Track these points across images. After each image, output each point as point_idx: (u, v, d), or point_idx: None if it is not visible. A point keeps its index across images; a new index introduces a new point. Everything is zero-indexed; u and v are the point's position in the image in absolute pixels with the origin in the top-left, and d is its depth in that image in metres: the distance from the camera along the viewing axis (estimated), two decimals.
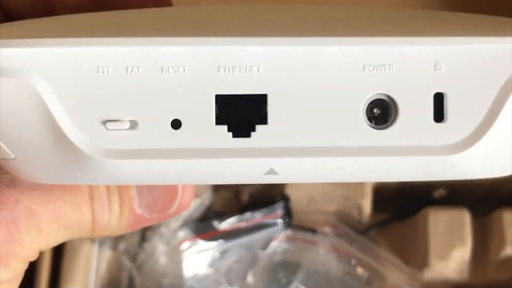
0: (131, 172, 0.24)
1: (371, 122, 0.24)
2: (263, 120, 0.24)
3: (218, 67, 0.23)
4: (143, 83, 0.23)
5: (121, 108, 0.24)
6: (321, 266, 0.62)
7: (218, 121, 0.24)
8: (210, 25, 0.24)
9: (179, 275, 0.61)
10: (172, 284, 0.61)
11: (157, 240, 0.62)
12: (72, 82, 0.23)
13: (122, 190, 0.30)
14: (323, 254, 0.63)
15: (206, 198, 0.64)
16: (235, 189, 0.66)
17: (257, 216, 0.63)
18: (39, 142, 0.24)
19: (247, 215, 0.63)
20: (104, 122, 0.24)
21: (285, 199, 0.64)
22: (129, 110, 0.24)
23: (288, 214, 0.64)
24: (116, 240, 0.62)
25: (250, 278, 0.62)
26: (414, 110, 0.23)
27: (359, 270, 0.62)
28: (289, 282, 0.62)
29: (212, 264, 0.62)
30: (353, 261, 0.63)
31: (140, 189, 0.30)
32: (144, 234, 0.62)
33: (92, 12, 0.25)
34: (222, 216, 0.63)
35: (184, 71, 0.23)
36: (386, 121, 0.24)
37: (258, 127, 0.24)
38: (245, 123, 0.24)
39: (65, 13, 0.27)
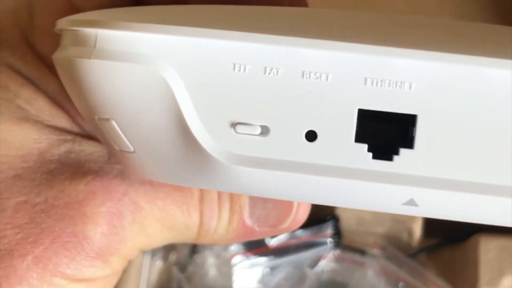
0: (256, 181, 0.21)
1: None
2: (409, 144, 0.20)
3: (365, 79, 0.20)
4: (281, 86, 0.20)
5: (253, 111, 0.20)
6: (369, 287, 0.59)
7: (358, 139, 0.20)
8: (360, 31, 0.20)
9: None
10: None
11: (207, 252, 0.59)
12: (205, 77, 0.20)
13: (234, 197, 0.27)
14: (371, 276, 0.60)
15: None
16: None
17: (307, 234, 0.61)
18: (162, 137, 0.21)
19: (298, 232, 0.60)
20: (234, 125, 0.21)
21: (335, 218, 0.61)
22: (262, 115, 0.20)
23: (337, 233, 0.61)
24: (167, 251, 0.59)
25: None
26: None
27: None
28: None
29: (261, 280, 0.59)
30: (401, 284, 0.60)
31: (253, 199, 0.27)
32: (195, 246, 0.59)
33: (224, 5, 0.22)
34: None
35: (326, 78, 0.20)
36: None
37: (402, 150, 0.20)
38: (388, 144, 0.20)
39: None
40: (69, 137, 0.26)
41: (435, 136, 0.20)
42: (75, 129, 0.26)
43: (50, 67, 0.26)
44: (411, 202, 0.21)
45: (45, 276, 0.25)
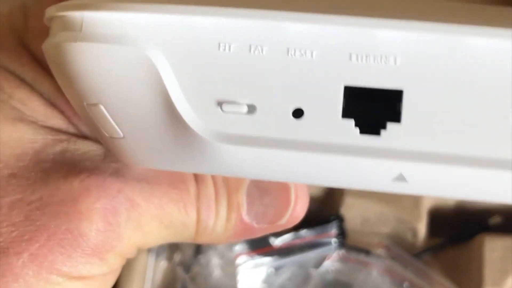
0: (244, 161, 0.21)
1: None
2: (396, 118, 0.20)
3: (350, 54, 0.20)
4: (266, 64, 0.20)
5: (240, 90, 0.20)
6: (373, 287, 0.59)
7: (345, 114, 0.20)
8: (345, 7, 0.20)
9: None
10: None
11: (212, 253, 0.59)
12: (190, 56, 0.20)
13: (231, 194, 0.26)
14: (375, 276, 0.59)
15: None
16: None
17: (311, 235, 0.60)
18: (150, 119, 0.21)
19: (302, 232, 0.60)
20: (220, 104, 0.20)
21: (340, 218, 0.61)
22: (248, 93, 0.20)
23: (342, 234, 0.61)
24: (171, 251, 0.59)
25: None
26: None
27: None
28: None
29: (266, 280, 0.58)
30: (406, 284, 0.59)
31: (250, 195, 0.27)
32: (199, 246, 0.59)
33: None
34: (276, 232, 0.60)
35: (311, 55, 0.20)
36: None
37: (389, 124, 0.20)
38: (375, 119, 0.20)
39: None
40: (64, 137, 0.26)
41: (422, 109, 0.20)
42: (71, 129, 0.26)
43: (45, 69, 0.26)
44: (400, 178, 0.20)
45: (41, 274, 0.24)
